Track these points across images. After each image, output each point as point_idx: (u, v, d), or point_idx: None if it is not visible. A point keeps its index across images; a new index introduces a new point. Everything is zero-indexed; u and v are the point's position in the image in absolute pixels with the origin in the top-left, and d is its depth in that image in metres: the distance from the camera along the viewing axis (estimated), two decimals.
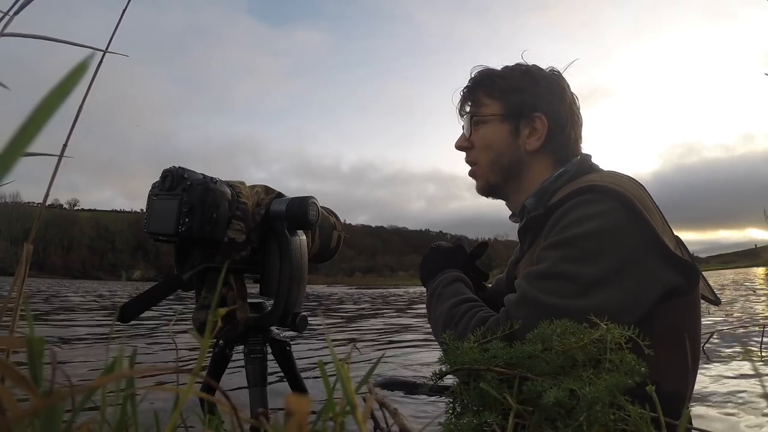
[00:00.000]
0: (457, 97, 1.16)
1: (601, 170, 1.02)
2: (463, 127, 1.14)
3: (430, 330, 1.04)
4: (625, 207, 0.84)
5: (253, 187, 0.86)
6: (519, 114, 1.05)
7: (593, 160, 1.07)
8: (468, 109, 1.12)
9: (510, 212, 1.17)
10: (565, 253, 0.84)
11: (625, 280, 0.82)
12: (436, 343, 0.98)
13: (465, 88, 1.13)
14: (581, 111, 1.11)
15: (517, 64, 1.10)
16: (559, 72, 1.10)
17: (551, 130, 1.03)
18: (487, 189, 1.11)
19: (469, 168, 1.14)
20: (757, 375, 1.74)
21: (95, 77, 0.68)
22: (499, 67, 1.11)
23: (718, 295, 1.02)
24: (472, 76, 1.13)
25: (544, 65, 1.11)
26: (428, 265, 1.11)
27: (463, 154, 1.14)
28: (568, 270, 0.83)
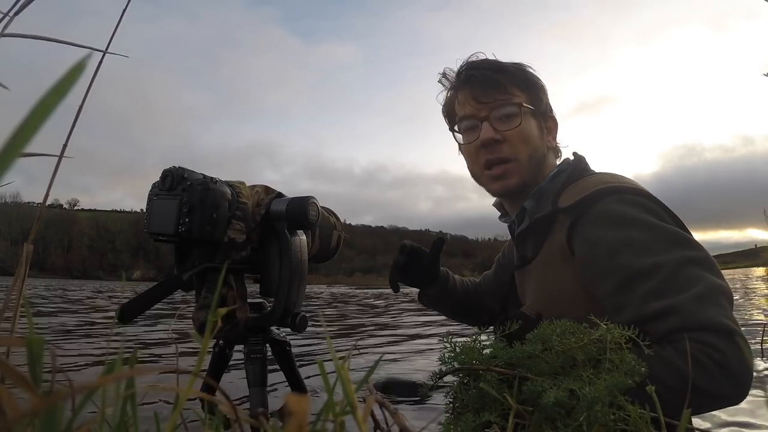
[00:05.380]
0: (475, 82, 1.01)
1: (599, 172, 1.01)
2: (478, 119, 1.00)
3: None
4: (659, 205, 0.86)
5: (253, 187, 0.86)
6: (541, 110, 1.02)
7: (589, 161, 1.06)
8: (498, 97, 0.99)
9: (499, 213, 1.15)
10: (665, 248, 0.79)
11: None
12: (433, 343, 0.96)
13: (489, 72, 1.00)
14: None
15: (517, 62, 1.06)
16: None
17: (557, 130, 1.04)
18: (518, 187, 1.00)
19: (495, 165, 1.00)
20: (757, 374, 1.74)
21: (95, 77, 0.68)
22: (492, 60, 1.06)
23: None
24: (483, 62, 1.03)
25: (543, 68, 1.11)
26: None
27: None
28: (684, 256, 0.77)
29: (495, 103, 0.99)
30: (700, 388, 0.66)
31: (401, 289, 1.19)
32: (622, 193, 0.86)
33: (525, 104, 0.99)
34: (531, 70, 1.05)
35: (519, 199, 1.04)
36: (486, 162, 1.01)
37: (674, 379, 0.67)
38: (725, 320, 0.71)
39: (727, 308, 0.74)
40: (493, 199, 1.14)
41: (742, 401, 0.71)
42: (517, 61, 1.06)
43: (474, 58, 1.06)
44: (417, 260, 1.19)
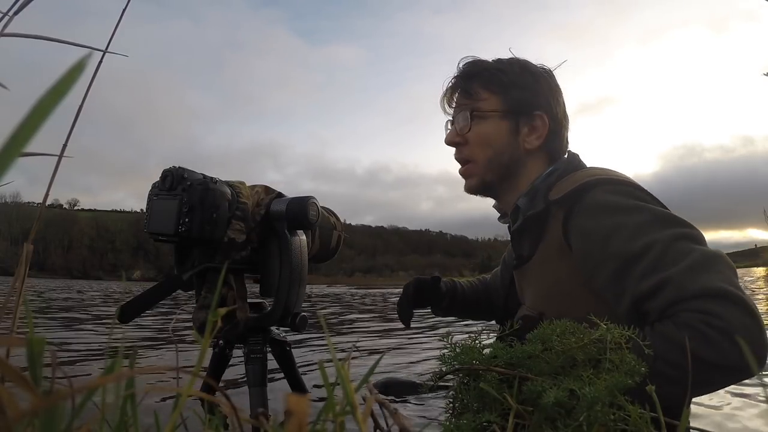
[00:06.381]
0: (448, 87, 1.10)
1: (589, 166, 1.01)
2: (452, 120, 1.09)
3: None
4: (642, 191, 0.87)
5: (253, 187, 0.86)
6: (519, 111, 1.02)
7: (582, 160, 1.06)
8: (462, 101, 1.07)
9: (498, 215, 1.16)
10: (659, 229, 0.79)
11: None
12: (433, 343, 0.95)
13: (458, 78, 1.08)
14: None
15: (513, 59, 1.07)
16: (551, 71, 1.09)
17: (550, 130, 1.03)
18: (480, 187, 1.08)
19: (459, 165, 1.08)
20: (758, 374, 1.74)
21: (95, 77, 0.68)
22: (490, 60, 1.07)
23: None
24: (464, 66, 1.08)
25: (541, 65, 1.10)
26: None
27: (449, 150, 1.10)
28: (678, 233, 0.77)
29: (458, 107, 1.07)
30: (706, 361, 0.64)
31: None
32: (609, 183, 0.89)
33: (483, 109, 1.03)
34: (520, 68, 1.05)
35: (492, 197, 1.12)
36: (456, 160, 1.09)
37: (677, 354, 0.65)
38: (721, 284, 0.68)
39: (726, 273, 0.71)
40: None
41: (759, 371, 0.65)
42: (515, 58, 1.07)
43: (466, 60, 1.09)
44: (420, 290, 1.26)
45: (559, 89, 1.07)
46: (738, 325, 0.65)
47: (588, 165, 1.04)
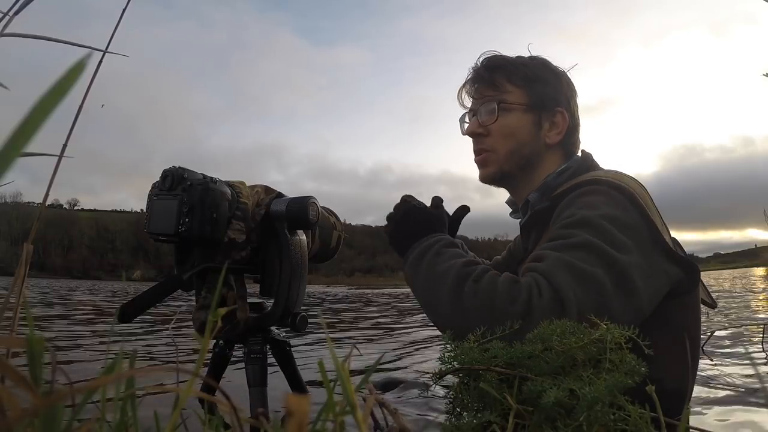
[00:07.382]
0: (470, 79, 1.09)
1: (603, 168, 1.03)
2: (471, 112, 1.09)
3: (419, 299, 0.89)
4: (630, 201, 0.87)
5: (253, 187, 0.86)
6: (542, 106, 1.04)
7: (595, 159, 1.08)
8: (487, 93, 1.06)
9: (510, 210, 1.17)
10: (586, 231, 0.81)
11: (644, 263, 0.81)
12: (433, 343, 0.94)
13: (482, 69, 1.07)
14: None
15: (533, 56, 1.09)
16: (566, 72, 1.10)
17: (569, 127, 1.05)
18: (498, 176, 1.07)
19: (476, 155, 1.08)
20: (757, 374, 1.74)
21: (95, 77, 0.68)
22: (512, 56, 1.08)
23: (717, 297, 1.03)
24: (487, 59, 1.08)
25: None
26: (411, 225, 0.95)
27: (466, 142, 1.09)
28: (596, 244, 0.79)
29: (482, 99, 1.06)
30: (495, 306, 0.72)
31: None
32: (599, 184, 0.90)
33: (509, 101, 1.03)
34: (541, 65, 1.07)
35: (508, 188, 1.12)
36: (475, 151, 1.09)
37: (489, 294, 0.73)
38: (570, 292, 0.73)
39: (581, 294, 0.73)
40: (505, 197, 1.17)
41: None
42: (536, 56, 1.09)
43: (488, 54, 1.09)
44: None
45: (576, 90, 1.09)
46: (539, 313, 0.70)
47: (599, 165, 1.06)
